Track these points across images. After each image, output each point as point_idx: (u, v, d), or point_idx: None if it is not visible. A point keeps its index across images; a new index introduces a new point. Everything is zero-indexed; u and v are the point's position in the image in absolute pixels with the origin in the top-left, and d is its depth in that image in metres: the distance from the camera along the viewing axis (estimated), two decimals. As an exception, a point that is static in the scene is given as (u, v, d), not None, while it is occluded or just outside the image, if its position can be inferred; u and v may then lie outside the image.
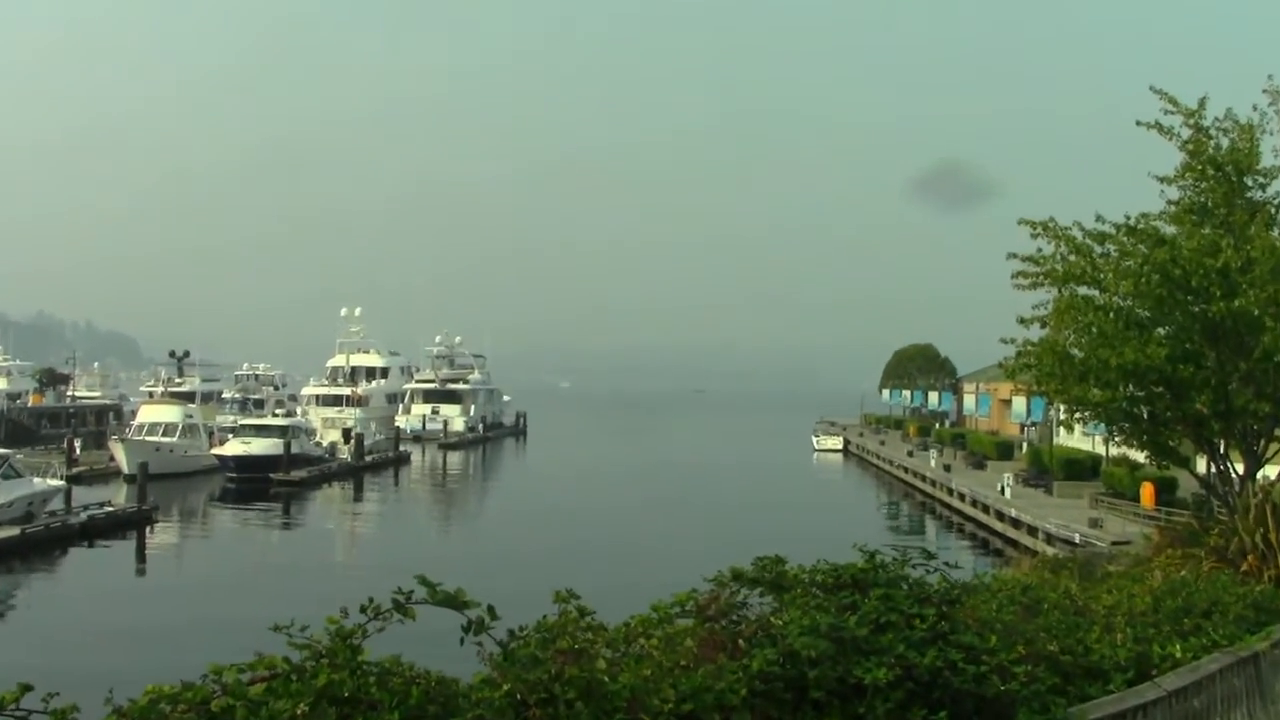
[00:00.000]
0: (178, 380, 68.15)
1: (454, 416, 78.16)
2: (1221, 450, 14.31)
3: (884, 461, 58.52)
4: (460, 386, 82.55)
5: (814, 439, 75.01)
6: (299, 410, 67.59)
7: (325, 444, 55.30)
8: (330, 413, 65.74)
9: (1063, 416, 16.51)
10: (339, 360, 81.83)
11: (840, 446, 72.22)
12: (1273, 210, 14.09)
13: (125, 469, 44.51)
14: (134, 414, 56.09)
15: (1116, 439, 15.55)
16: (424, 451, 67.70)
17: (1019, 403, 48.54)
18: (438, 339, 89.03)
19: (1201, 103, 14.10)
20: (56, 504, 33.15)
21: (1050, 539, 29.11)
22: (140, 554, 30.57)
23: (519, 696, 3.29)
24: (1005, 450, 50.59)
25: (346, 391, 71.88)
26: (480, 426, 79.54)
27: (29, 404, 74.46)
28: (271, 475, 45.95)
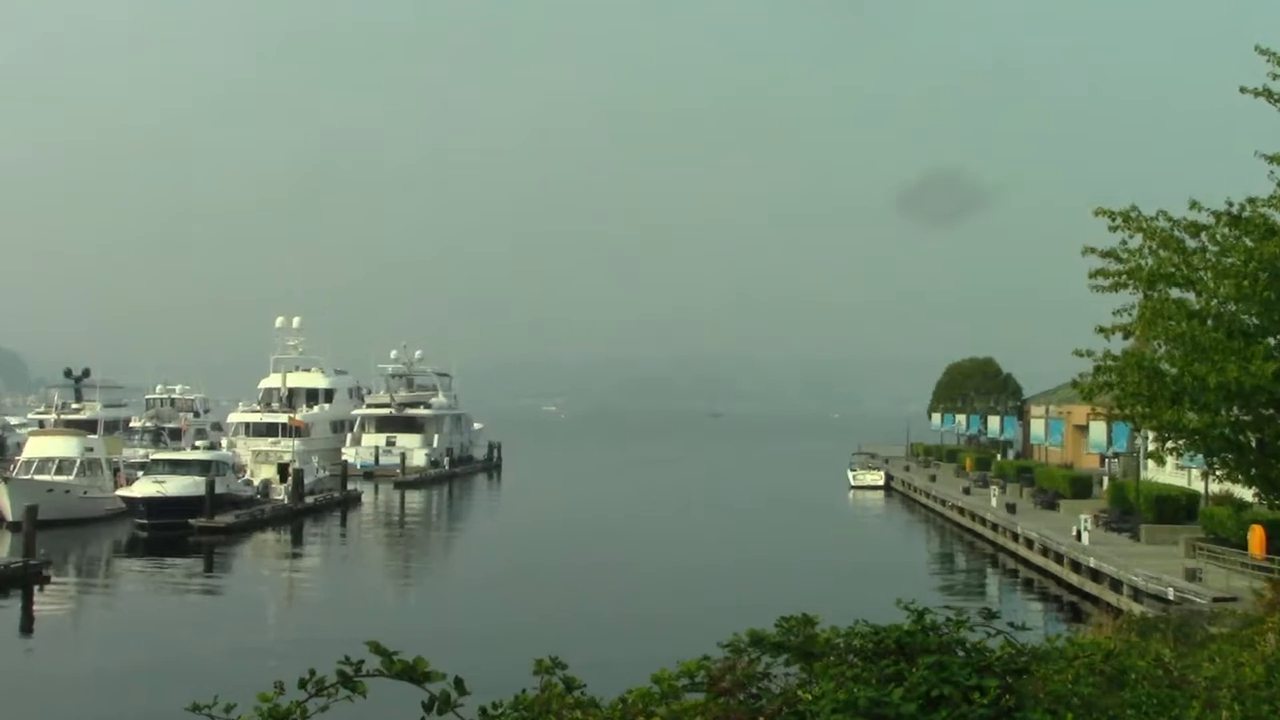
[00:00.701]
0: (75, 406, 68.21)
1: (413, 448, 78.70)
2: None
3: (935, 500, 58.75)
4: (421, 412, 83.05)
5: (850, 473, 75.95)
6: (224, 442, 67.70)
7: (256, 482, 55.34)
8: (263, 444, 65.86)
9: (1151, 446, 16.16)
10: (273, 381, 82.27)
11: (882, 482, 73.33)
12: None
13: (8, 515, 44.37)
14: (20, 447, 56.08)
15: (1218, 473, 15.46)
16: (377, 491, 68.13)
17: (1097, 429, 48.39)
18: (394, 354, 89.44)
19: None
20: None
21: (1138, 595, 29.17)
22: (26, 622, 30.10)
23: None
24: (1082, 487, 50.76)
25: (283, 419, 72.30)
26: (445, 460, 79.97)
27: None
28: (191, 521, 46.01)
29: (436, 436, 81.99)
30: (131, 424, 71.56)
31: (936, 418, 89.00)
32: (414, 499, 66.38)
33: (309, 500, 55.01)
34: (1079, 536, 36.83)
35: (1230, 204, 14.11)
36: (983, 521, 47.38)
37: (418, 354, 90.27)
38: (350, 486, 61.98)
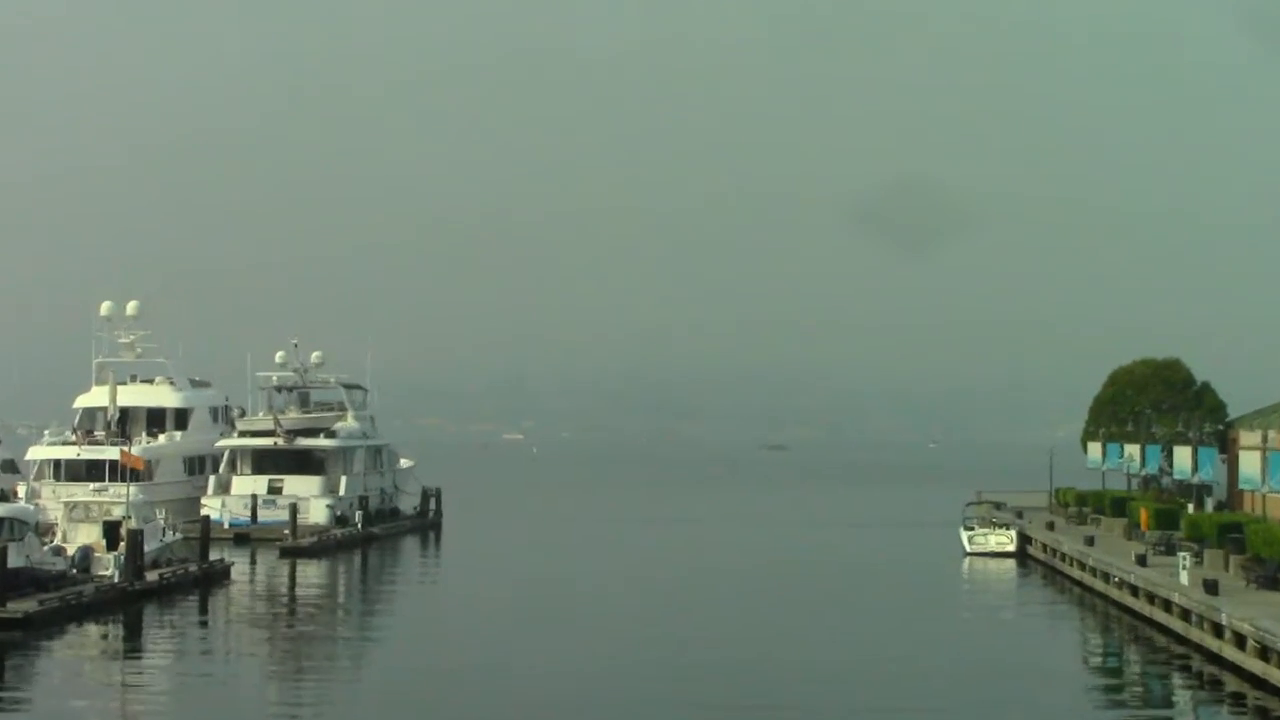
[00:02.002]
0: None
1: (309, 497, 79.60)
2: None
3: (1092, 573, 58.89)
4: (321, 443, 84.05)
5: (965, 533, 77.02)
6: (21, 490, 68.20)
7: (72, 550, 55.14)
8: (81, 493, 65.36)
9: None
10: (97, 397, 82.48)
11: (1012, 546, 74.62)
12: None
13: None
14: None
15: None
16: (255, 561, 68.76)
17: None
18: (280, 357, 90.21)
19: None
20: None
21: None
22: None
23: None
24: (1324, 556, 50.51)
25: (112, 454, 72.27)
26: (358, 515, 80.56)
27: None
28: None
29: (344, 480, 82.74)
30: None
31: (1095, 449, 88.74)
32: (310, 573, 66.58)
33: (151, 577, 55.01)
34: (1315, 630, 36.61)
35: None
36: (1167, 607, 47.35)
37: (316, 357, 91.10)
38: (214, 556, 62.17)
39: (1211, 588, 45.61)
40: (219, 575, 60.51)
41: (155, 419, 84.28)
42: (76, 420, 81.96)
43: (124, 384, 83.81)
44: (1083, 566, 60.98)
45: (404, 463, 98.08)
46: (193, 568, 59.03)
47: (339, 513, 79.97)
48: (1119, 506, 76.29)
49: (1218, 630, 41.80)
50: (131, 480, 64.74)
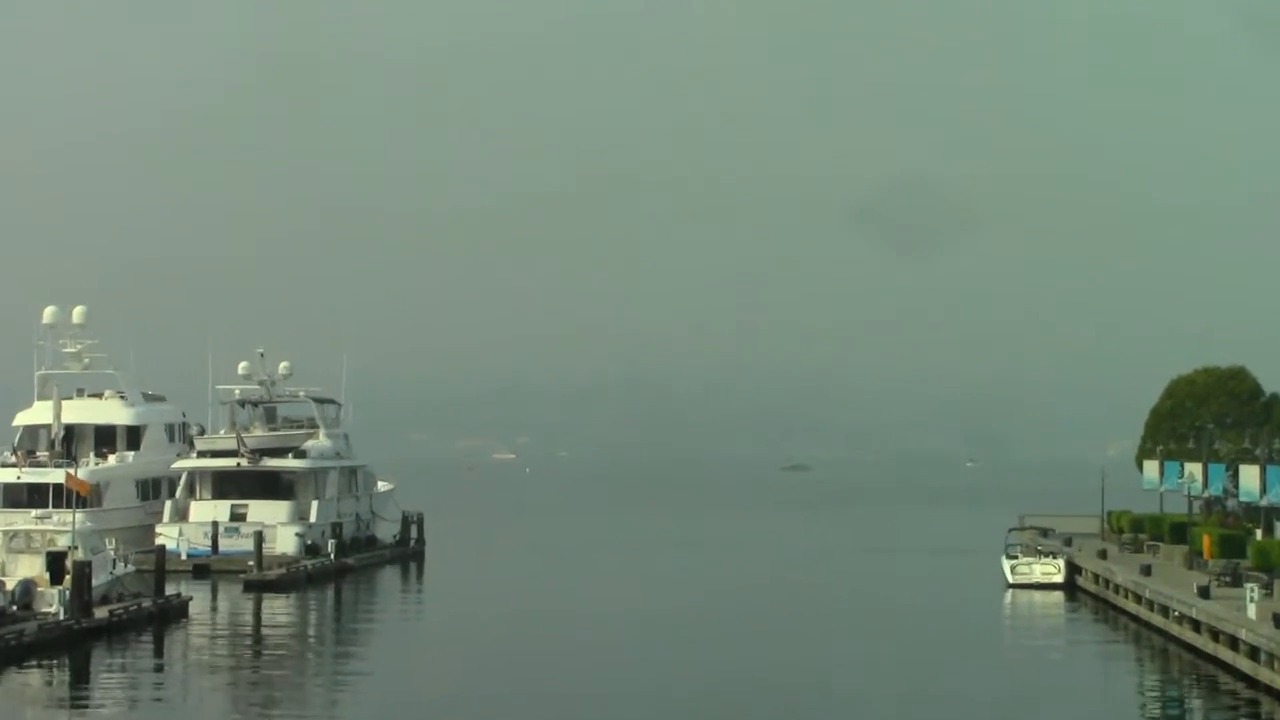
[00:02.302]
0: None
1: (277, 524, 79.56)
2: None
3: (1149, 607, 58.78)
4: (289, 464, 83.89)
5: (1008, 562, 77.07)
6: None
7: (11, 584, 54.75)
8: (21, 520, 64.99)
9: None
10: (38, 414, 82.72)
11: (1060, 577, 74.72)
12: None
13: None
14: None
15: None
16: (216, 596, 68.66)
17: None
18: (243, 368, 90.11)
19: None
20: None
21: None
22: None
23: None
24: None
25: (56, 477, 72.19)
26: (330, 544, 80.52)
27: None
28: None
29: (316, 505, 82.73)
30: None
31: (1151, 468, 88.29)
32: (278, 609, 66.36)
33: (100, 614, 54.65)
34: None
35: None
36: (1234, 644, 47.02)
37: (284, 367, 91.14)
38: (171, 590, 61.87)
39: (1284, 623, 45.34)
40: (176, 612, 60.01)
41: (104, 437, 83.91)
42: (17, 440, 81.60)
43: (69, 399, 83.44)
44: (1139, 599, 60.59)
45: (382, 485, 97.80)
46: (147, 603, 58.54)
47: (310, 541, 79.67)
48: (1179, 532, 75.68)
49: (1292, 672, 41.50)
50: (78, 506, 64.46)
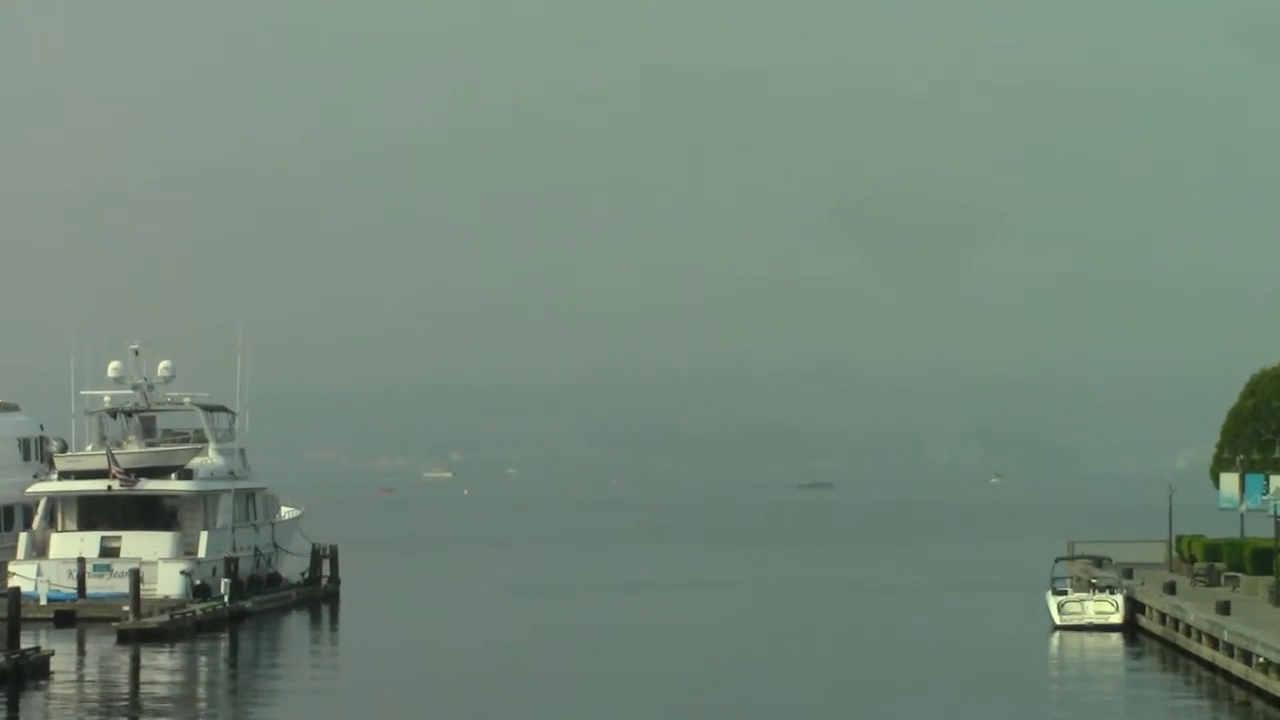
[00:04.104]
0: None
1: (158, 560, 79.26)
2: None
3: (1228, 653, 58.70)
4: (172, 487, 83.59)
5: (1055, 598, 77.06)
6: None
7: None
8: None
9: None
10: None
11: (1118, 614, 74.88)
12: None
13: None
14: None
15: None
16: (83, 649, 68.50)
17: None
18: (114, 369, 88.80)
19: None
20: None
21: None
22: None
23: None
24: None
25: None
26: (224, 584, 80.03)
27: None
28: None
29: (205, 536, 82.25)
30: None
31: (1230, 482, 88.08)
32: (160, 665, 66.05)
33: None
34: None
35: None
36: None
37: (164, 368, 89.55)
38: (27, 643, 61.34)
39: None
40: (34, 669, 59.41)
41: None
42: None
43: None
44: (1215, 643, 60.16)
45: (287, 512, 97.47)
46: (-5, 657, 58.08)
47: (198, 581, 79.09)
48: (1263, 561, 75.88)
49: None
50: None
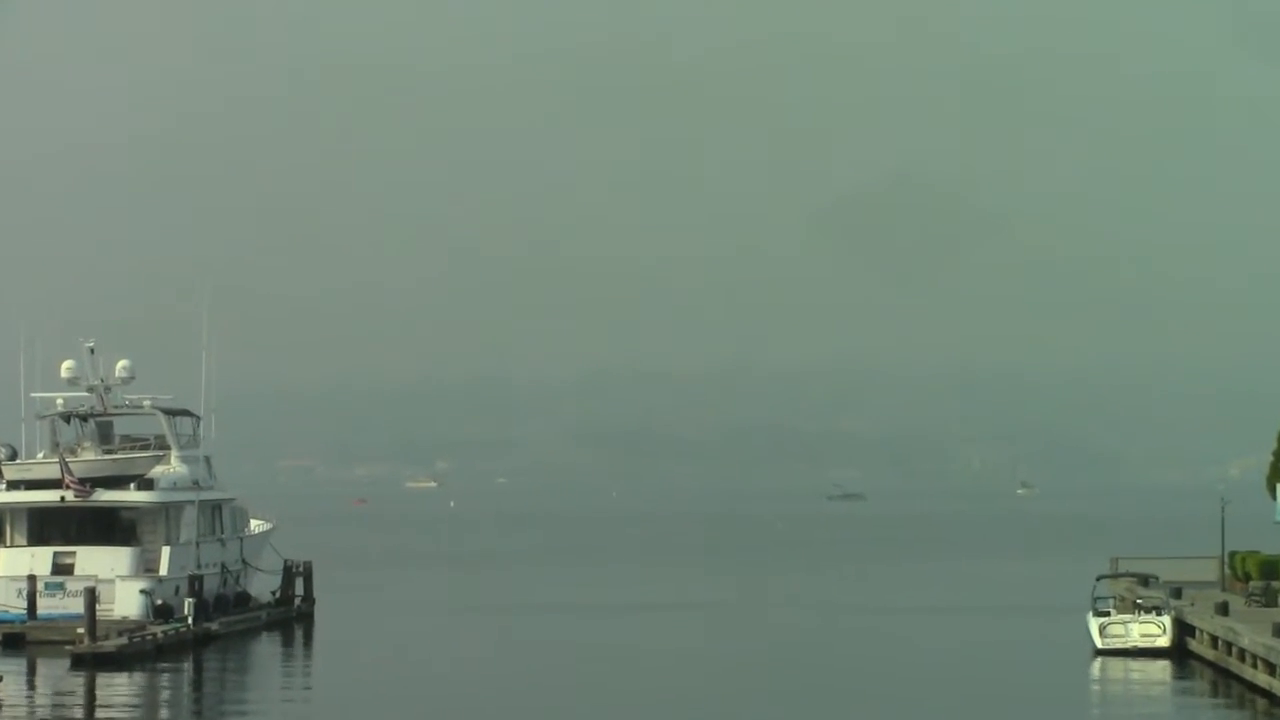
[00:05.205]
0: None
1: (116, 578, 79.30)
2: None
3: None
4: (132, 498, 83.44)
5: (1096, 620, 76.73)
6: None
7: None
8: None
9: None
10: None
11: (1166, 638, 74.41)
12: None
13: None
14: None
15: None
16: (34, 675, 68.43)
17: None
18: (68, 369, 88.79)
19: None
20: None
21: None
22: None
23: None
24: None
25: None
26: (189, 604, 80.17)
27: None
28: None
29: (167, 552, 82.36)
30: None
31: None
32: (118, 692, 65.69)
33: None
34: None
35: None
36: None
37: (122, 368, 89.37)
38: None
39: None
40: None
41: None
42: None
43: None
44: (1272, 669, 59.88)
45: (257, 525, 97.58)
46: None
47: (159, 601, 79.02)
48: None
49: None
50: None
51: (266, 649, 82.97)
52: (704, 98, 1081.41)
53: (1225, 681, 65.75)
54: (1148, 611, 76.43)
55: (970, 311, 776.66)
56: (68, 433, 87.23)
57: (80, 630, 72.20)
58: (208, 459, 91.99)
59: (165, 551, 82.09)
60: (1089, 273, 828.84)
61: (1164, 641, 73.94)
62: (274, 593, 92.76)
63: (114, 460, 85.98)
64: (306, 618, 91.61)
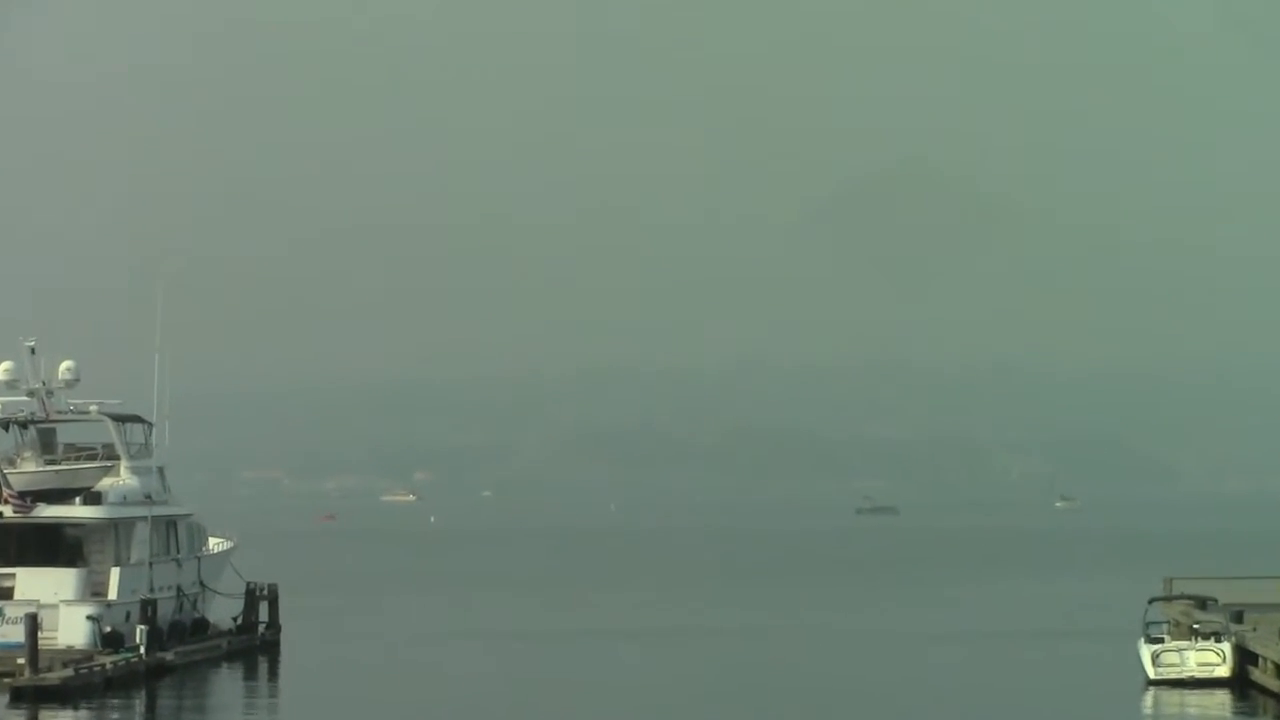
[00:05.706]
0: None
1: (60, 603, 79.61)
2: None
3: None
4: (77, 514, 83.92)
5: (1148, 647, 76.65)
6: None
7: None
8: None
9: None
10: None
11: (1225, 667, 74.40)
12: None
13: None
14: None
15: None
16: None
17: None
18: (6, 370, 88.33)
19: None
20: None
21: None
22: None
23: None
24: None
25: None
26: (140, 632, 79.61)
27: None
28: None
29: (116, 574, 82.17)
30: None
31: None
32: None
33: None
34: None
35: None
36: None
37: (66, 369, 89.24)
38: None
39: None
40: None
41: None
42: None
43: None
44: None
45: (216, 544, 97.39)
46: None
47: (108, 628, 78.86)
48: None
49: None
50: None
51: (227, 681, 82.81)
52: (704, 95, 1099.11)
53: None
54: (1205, 638, 76.11)
55: (1002, 306, 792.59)
56: (6, 441, 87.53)
57: (20, 661, 72.66)
58: (161, 470, 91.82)
59: (114, 573, 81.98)
60: (1138, 265, 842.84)
61: (1223, 671, 73.63)
62: (235, 619, 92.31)
63: (57, 472, 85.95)
64: (271, 646, 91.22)
